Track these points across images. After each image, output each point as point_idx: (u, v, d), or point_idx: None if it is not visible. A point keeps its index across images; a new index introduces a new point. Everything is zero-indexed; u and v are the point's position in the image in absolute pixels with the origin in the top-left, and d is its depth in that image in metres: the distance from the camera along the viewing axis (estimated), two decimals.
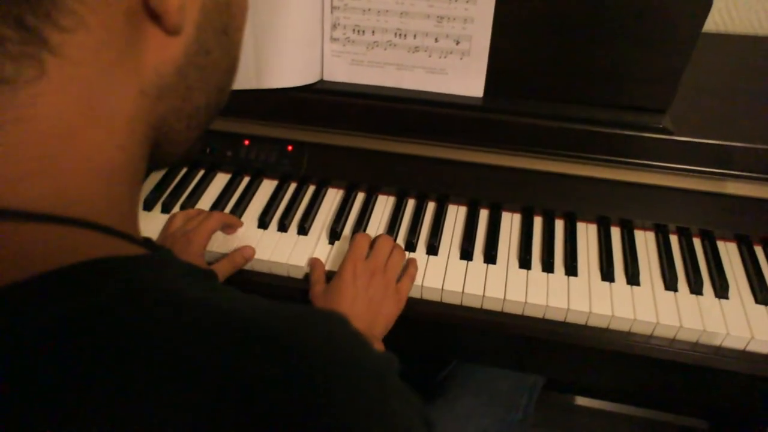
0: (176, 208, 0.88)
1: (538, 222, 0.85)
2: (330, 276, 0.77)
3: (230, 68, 0.38)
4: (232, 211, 0.87)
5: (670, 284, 0.76)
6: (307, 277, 0.79)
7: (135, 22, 0.30)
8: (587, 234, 0.83)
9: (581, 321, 0.74)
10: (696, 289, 0.75)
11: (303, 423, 0.24)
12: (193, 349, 0.25)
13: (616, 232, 0.83)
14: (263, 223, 0.85)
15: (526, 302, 0.74)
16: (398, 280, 0.75)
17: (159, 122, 0.34)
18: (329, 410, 0.25)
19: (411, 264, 0.77)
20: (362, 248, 0.75)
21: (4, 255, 0.26)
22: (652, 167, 0.80)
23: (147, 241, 0.34)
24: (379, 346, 0.67)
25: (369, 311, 0.70)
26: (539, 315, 0.75)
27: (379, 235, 0.77)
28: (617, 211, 0.84)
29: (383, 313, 0.71)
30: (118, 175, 0.32)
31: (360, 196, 0.90)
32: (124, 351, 0.24)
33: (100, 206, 0.30)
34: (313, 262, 0.78)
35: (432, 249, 0.81)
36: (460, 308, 0.77)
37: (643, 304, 0.73)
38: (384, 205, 0.88)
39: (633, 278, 0.76)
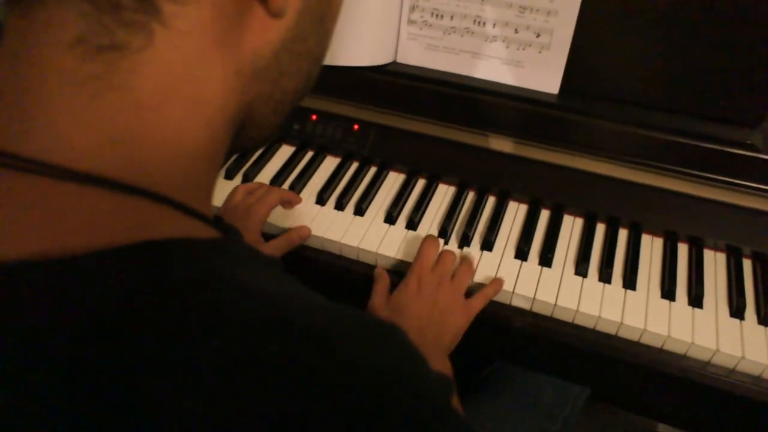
0: (239, 175, 0.90)
1: (600, 229, 0.82)
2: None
3: (320, 58, 0.38)
4: (293, 185, 0.88)
5: (737, 312, 0.71)
6: (357, 257, 0.80)
7: (243, 1, 0.30)
8: (652, 247, 0.79)
9: (634, 337, 0.71)
10: (765, 320, 0.71)
11: None
12: (251, 346, 0.25)
13: (683, 249, 0.79)
14: (321, 199, 0.85)
15: (577, 310, 0.72)
16: (469, 295, 0.72)
17: (248, 105, 0.34)
18: (377, 424, 0.25)
19: (492, 284, 0.73)
20: (429, 257, 0.73)
21: (80, 220, 0.27)
22: (732, 185, 0.76)
23: (217, 220, 0.34)
24: (443, 362, 0.64)
25: (436, 321, 0.67)
26: (590, 325, 0.72)
27: (445, 249, 0.75)
28: (688, 227, 0.79)
29: (451, 322, 0.68)
30: (201, 153, 0.32)
31: (420, 183, 0.89)
32: (183, 338, 0.24)
33: (179, 183, 0.31)
34: (379, 273, 0.76)
35: (487, 244, 0.79)
36: (509, 308, 0.75)
37: (703, 329, 0.69)
38: (444, 194, 0.87)
39: (696, 300, 0.72)
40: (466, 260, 0.74)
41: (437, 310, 0.68)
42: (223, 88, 0.32)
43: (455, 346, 0.70)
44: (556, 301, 0.73)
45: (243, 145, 0.38)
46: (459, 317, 0.69)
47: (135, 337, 0.24)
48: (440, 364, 0.64)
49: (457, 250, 0.78)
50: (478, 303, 0.71)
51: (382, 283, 0.74)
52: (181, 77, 0.30)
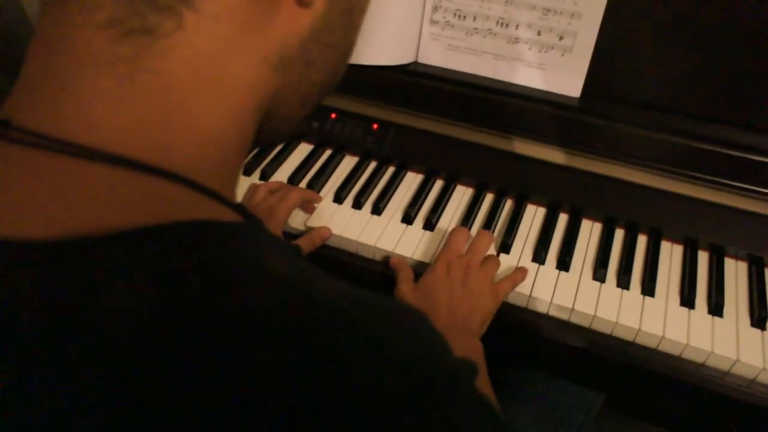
0: (257, 172, 0.90)
1: (619, 234, 0.81)
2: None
3: (347, 51, 0.38)
4: (311, 182, 0.88)
5: (758, 321, 0.70)
6: (373, 257, 0.79)
7: None
8: (671, 254, 0.79)
9: (652, 344, 0.70)
10: None
11: (372, 413, 0.24)
12: (279, 329, 0.25)
13: (703, 257, 0.78)
14: (339, 197, 0.85)
15: (595, 315, 0.71)
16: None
17: (274, 94, 0.34)
18: (397, 403, 0.25)
19: (519, 271, 0.74)
20: (459, 245, 0.73)
21: (109, 201, 0.27)
22: (756, 193, 0.75)
23: (239, 207, 0.34)
24: (474, 343, 0.65)
25: (465, 303, 0.68)
26: (607, 331, 0.72)
27: (480, 232, 0.76)
28: (709, 234, 0.78)
29: (480, 305, 0.68)
30: (226, 139, 0.32)
31: (438, 184, 0.89)
32: (210, 318, 0.24)
33: (204, 167, 0.31)
34: (398, 263, 0.76)
35: (504, 247, 0.79)
36: (525, 311, 0.75)
37: (723, 338, 0.68)
38: (461, 195, 0.87)
39: (716, 309, 0.71)
40: (492, 256, 0.74)
41: (466, 292, 0.68)
42: (249, 75, 0.32)
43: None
44: (573, 306, 0.72)
45: (268, 137, 0.38)
46: (488, 300, 0.70)
47: (167, 317, 0.24)
48: (471, 345, 0.64)
49: None
50: (506, 286, 0.71)
51: (404, 271, 0.75)
52: (208, 62, 0.30)
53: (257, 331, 0.24)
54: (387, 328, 0.28)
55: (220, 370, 0.23)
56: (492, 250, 0.78)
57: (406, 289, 0.71)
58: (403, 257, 0.78)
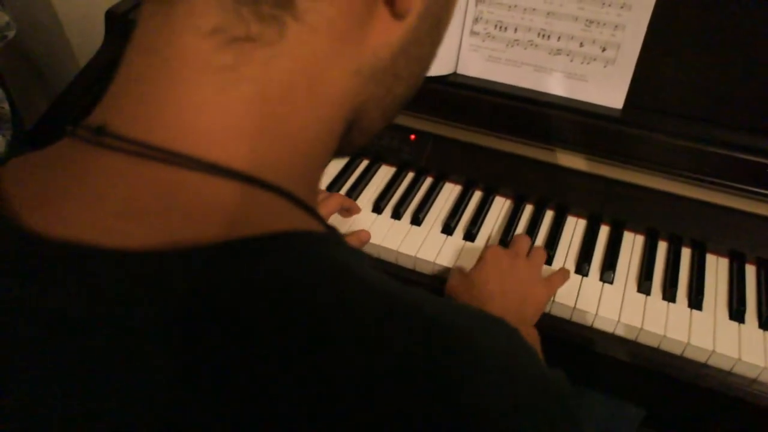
0: None
1: (662, 246, 0.80)
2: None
3: (429, 65, 0.38)
4: (348, 193, 0.88)
5: None
6: (414, 268, 0.79)
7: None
8: (717, 267, 0.78)
9: (701, 358, 0.69)
10: None
11: (490, 425, 0.24)
12: (385, 338, 0.25)
13: (750, 270, 0.77)
14: (378, 207, 0.85)
15: (642, 328, 0.70)
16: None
17: (360, 106, 0.34)
18: (514, 417, 0.24)
19: (562, 270, 0.75)
20: (499, 245, 0.75)
21: (209, 209, 0.27)
22: None
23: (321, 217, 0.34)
24: (531, 330, 0.65)
25: (517, 292, 0.68)
26: (654, 344, 0.71)
27: (518, 234, 0.76)
28: (756, 248, 0.77)
29: (532, 295, 0.69)
30: (315, 150, 0.32)
31: (477, 195, 0.88)
32: (317, 326, 0.24)
33: (293, 177, 0.31)
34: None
35: (547, 259, 0.78)
36: (568, 323, 0.74)
37: None
38: (501, 206, 0.86)
39: (767, 323, 0.70)
40: (537, 247, 0.75)
41: (516, 282, 0.68)
42: (341, 87, 0.32)
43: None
44: (619, 319, 0.71)
45: (346, 149, 0.38)
46: (539, 290, 0.70)
47: (282, 326, 0.24)
48: (528, 333, 0.64)
49: None
50: (558, 279, 0.71)
51: (454, 265, 0.76)
52: (306, 72, 0.30)
53: (375, 344, 0.24)
54: (491, 341, 0.28)
55: (340, 382, 0.23)
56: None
57: (456, 281, 0.72)
58: (445, 267, 0.77)
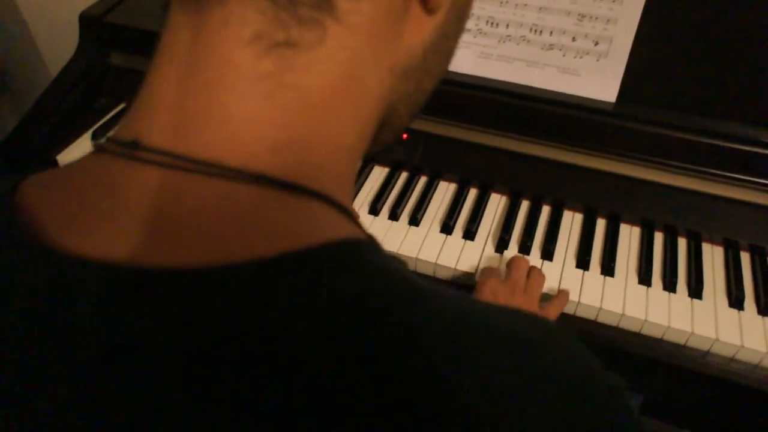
0: None
1: (659, 238, 0.81)
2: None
3: (451, 58, 0.37)
4: None
5: None
6: (415, 269, 0.78)
7: None
8: (713, 256, 0.79)
9: (704, 347, 0.70)
10: None
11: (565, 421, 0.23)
12: (454, 344, 0.24)
13: (745, 258, 0.79)
14: (374, 209, 0.84)
15: (646, 320, 0.71)
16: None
17: (392, 104, 0.34)
18: (588, 415, 0.24)
19: (562, 294, 0.73)
20: (496, 270, 0.74)
21: (259, 221, 0.26)
22: None
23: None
24: None
25: None
26: (658, 335, 0.72)
27: (515, 257, 0.74)
28: (748, 235, 0.79)
29: None
30: (349, 152, 0.31)
31: (473, 192, 0.88)
32: (397, 334, 0.24)
33: (334, 183, 0.30)
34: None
35: (547, 254, 0.78)
36: (573, 318, 0.74)
37: None
38: (497, 203, 0.86)
39: (766, 309, 0.72)
40: (535, 269, 0.73)
41: None
42: (378, 87, 0.31)
43: None
44: (623, 311, 0.72)
45: (374, 148, 0.37)
46: None
47: (352, 339, 0.23)
48: None
49: None
50: (554, 312, 0.70)
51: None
52: (345, 75, 0.29)
53: (463, 359, 0.24)
54: (551, 342, 0.27)
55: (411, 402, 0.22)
56: (538, 260, 0.78)
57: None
58: (446, 267, 0.77)
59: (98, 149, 0.29)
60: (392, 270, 0.27)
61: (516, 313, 0.29)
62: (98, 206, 0.27)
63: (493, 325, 0.26)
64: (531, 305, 0.69)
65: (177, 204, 0.26)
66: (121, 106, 0.99)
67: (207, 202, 0.26)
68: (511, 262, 0.73)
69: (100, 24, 0.97)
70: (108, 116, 0.97)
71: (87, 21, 0.97)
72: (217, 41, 0.27)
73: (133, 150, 0.27)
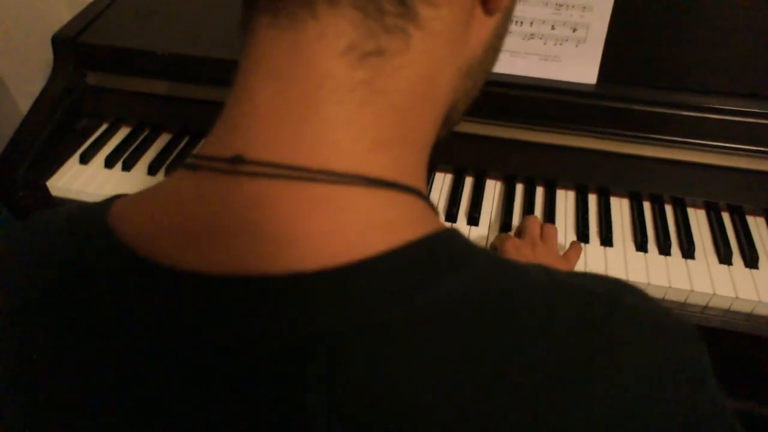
0: None
1: (647, 207, 0.87)
2: None
3: (498, 55, 0.40)
4: None
5: None
6: None
7: (473, 1, 0.32)
8: (697, 219, 0.85)
9: (702, 303, 0.76)
10: None
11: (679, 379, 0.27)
12: (567, 317, 0.27)
13: (726, 217, 0.85)
14: None
15: (648, 283, 0.76)
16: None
17: (455, 102, 0.35)
18: (696, 371, 0.29)
19: (575, 244, 0.77)
20: (509, 233, 0.78)
21: (371, 220, 0.28)
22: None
23: None
24: None
25: None
26: (660, 296, 0.77)
27: (526, 216, 0.78)
28: (727, 196, 0.86)
29: None
30: (426, 149, 0.34)
31: (469, 180, 0.91)
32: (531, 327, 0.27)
33: (418, 177, 0.32)
34: None
35: None
36: None
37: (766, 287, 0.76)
38: (493, 189, 0.90)
39: (752, 262, 0.78)
40: (546, 224, 0.77)
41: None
42: (448, 86, 0.34)
43: None
44: (626, 278, 0.77)
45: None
46: (562, 269, 0.72)
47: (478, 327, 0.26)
48: None
49: None
50: (574, 255, 0.74)
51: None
52: (426, 78, 0.31)
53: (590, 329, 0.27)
54: (636, 301, 0.30)
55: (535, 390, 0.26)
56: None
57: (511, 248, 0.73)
58: None
59: (190, 167, 0.30)
60: (486, 250, 0.30)
61: (586, 275, 0.32)
62: (207, 221, 0.28)
63: (579, 286, 0.30)
64: (551, 254, 0.73)
65: (290, 212, 0.27)
66: (105, 126, 0.98)
67: (320, 206, 0.27)
68: (524, 221, 0.77)
69: (74, 44, 0.95)
70: (94, 137, 0.95)
71: (61, 42, 0.95)
72: (313, 54, 0.28)
73: (237, 165, 0.28)
